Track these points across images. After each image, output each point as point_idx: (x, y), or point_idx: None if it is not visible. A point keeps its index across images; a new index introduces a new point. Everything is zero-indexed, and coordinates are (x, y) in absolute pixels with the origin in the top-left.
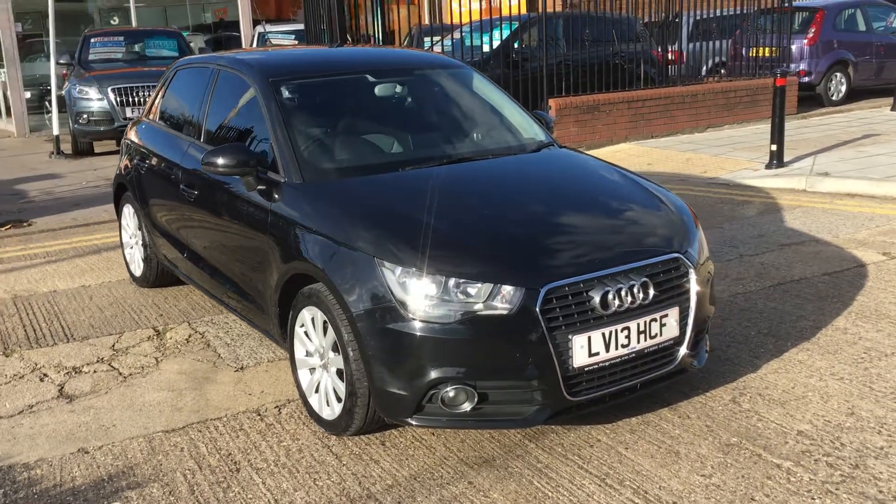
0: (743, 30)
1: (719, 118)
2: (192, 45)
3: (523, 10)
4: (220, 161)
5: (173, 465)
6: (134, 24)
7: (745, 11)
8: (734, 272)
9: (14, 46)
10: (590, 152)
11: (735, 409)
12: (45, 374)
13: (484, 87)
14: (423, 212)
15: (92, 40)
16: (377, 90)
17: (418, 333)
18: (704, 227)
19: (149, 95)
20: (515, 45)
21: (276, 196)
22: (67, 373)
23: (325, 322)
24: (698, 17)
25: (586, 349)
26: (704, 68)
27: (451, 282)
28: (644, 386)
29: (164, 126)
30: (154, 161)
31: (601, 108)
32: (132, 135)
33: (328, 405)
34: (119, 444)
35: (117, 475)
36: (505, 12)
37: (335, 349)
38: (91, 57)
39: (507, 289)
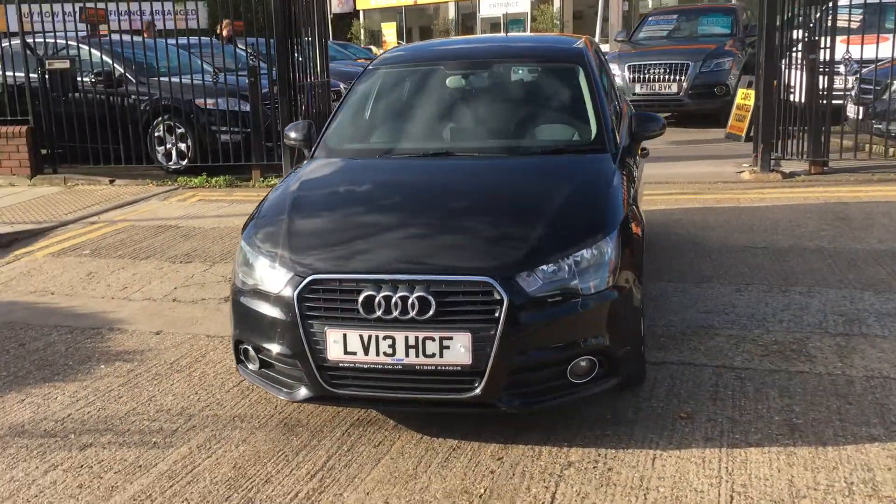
0: None
1: None
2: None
3: None
4: (292, 134)
5: (164, 357)
6: None
7: None
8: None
9: (619, 22)
10: None
11: (558, 472)
12: (222, 280)
13: (583, 84)
14: (310, 193)
15: (650, 19)
16: (448, 82)
17: (232, 297)
18: None
19: (660, 72)
20: None
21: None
22: (219, 283)
23: None
24: None
25: (341, 345)
26: None
27: (257, 256)
28: (432, 405)
29: None
30: None
31: None
32: None
33: None
34: (176, 334)
35: (141, 351)
36: None
37: None
38: (641, 35)
39: (288, 273)
